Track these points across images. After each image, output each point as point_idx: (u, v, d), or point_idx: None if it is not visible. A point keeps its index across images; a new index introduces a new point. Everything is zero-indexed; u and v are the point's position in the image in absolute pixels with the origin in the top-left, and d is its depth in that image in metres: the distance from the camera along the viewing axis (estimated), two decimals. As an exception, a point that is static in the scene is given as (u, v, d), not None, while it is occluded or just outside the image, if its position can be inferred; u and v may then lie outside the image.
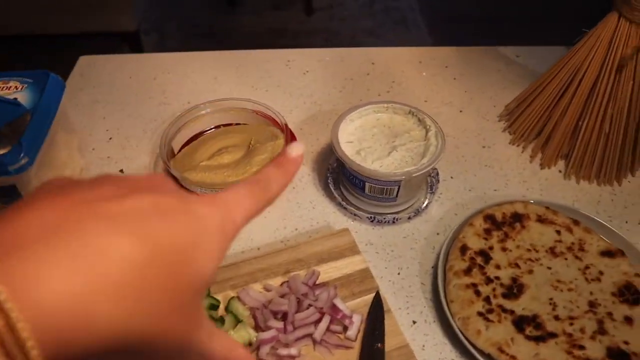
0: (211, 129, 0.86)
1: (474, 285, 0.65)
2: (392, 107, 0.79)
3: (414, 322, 0.65)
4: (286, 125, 0.80)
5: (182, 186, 0.75)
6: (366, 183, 0.71)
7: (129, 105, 0.95)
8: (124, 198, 0.25)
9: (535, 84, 0.84)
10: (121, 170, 0.84)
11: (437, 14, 2.90)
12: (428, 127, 0.75)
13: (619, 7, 0.71)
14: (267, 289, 0.66)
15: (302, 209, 0.77)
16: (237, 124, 0.88)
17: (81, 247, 0.22)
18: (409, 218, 0.75)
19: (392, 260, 0.71)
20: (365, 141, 0.75)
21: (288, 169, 0.36)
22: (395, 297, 0.67)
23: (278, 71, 1.01)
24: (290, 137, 0.85)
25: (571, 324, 0.62)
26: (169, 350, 0.26)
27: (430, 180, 0.79)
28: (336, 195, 0.77)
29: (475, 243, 0.69)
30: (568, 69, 0.78)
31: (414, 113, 0.77)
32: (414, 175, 0.69)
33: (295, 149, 0.37)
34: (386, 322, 0.62)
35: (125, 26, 2.62)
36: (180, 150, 0.83)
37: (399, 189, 0.71)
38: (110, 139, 0.89)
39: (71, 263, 0.22)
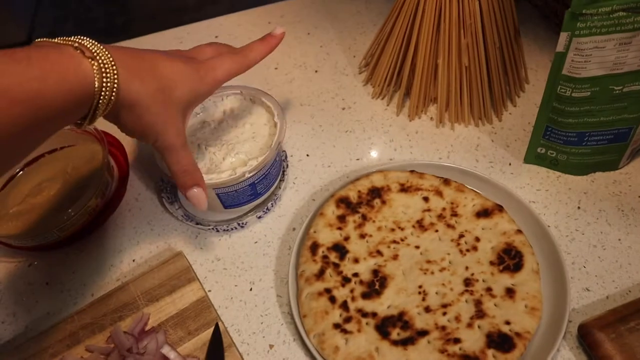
0: (26, 164, 0.72)
1: (328, 290, 0.54)
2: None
3: (271, 347, 0.54)
4: (103, 136, 0.67)
5: None
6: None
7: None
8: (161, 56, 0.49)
9: (385, 22, 0.72)
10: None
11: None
12: (273, 112, 0.63)
13: None
14: (89, 350, 0.54)
15: (139, 234, 0.65)
16: (61, 148, 0.74)
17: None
18: (259, 217, 0.64)
19: (243, 275, 0.60)
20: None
21: (269, 41, 0.56)
22: (248, 321, 0.56)
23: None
24: (119, 152, 0.72)
25: (445, 314, 0.52)
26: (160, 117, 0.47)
27: (281, 166, 0.67)
28: (171, 211, 0.65)
29: (327, 237, 0.58)
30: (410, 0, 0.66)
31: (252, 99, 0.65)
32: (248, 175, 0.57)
33: (278, 28, 0.57)
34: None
35: (14, 38, 2.42)
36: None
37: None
38: None
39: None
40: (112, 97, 0.43)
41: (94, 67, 0.41)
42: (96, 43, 0.42)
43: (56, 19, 2.69)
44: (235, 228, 0.63)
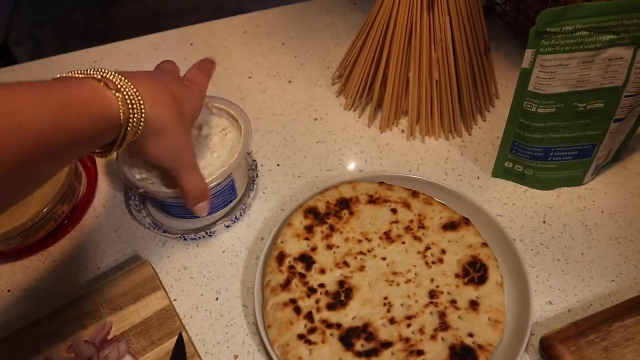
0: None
1: (293, 301, 0.54)
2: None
3: (236, 357, 0.54)
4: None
5: None
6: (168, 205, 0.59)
7: None
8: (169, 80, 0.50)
9: (358, 35, 0.72)
10: None
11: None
12: (239, 123, 0.62)
13: None
14: (48, 360, 0.53)
15: (105, 241, 0.64)
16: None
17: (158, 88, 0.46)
18: (227, 226, 0.63)
19: (209, 284, 0.60)
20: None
21: (207, 66, 0.60)
22: (212, 330, 0.56)
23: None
24: (88, 158, 0.71)
25: (409, 325, 0.52)
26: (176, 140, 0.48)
27: (250, 174, 0.67)
28: (139, 219, 0.64)
29: (294, 247, 0.58)
30: (382, 13, 0.66)
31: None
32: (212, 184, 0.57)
33: (207, 59, 0.61)
34: (189, 372, 0.51)
35: (-14, 42, 2.38)
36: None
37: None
38: None
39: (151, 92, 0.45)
40: (140, 127, 0.43)
41: (119, 98, 0.41)
42: (117, 74, 0.42)
43: (34, 23, 2.66)
44: (203, 237, 0.63)
